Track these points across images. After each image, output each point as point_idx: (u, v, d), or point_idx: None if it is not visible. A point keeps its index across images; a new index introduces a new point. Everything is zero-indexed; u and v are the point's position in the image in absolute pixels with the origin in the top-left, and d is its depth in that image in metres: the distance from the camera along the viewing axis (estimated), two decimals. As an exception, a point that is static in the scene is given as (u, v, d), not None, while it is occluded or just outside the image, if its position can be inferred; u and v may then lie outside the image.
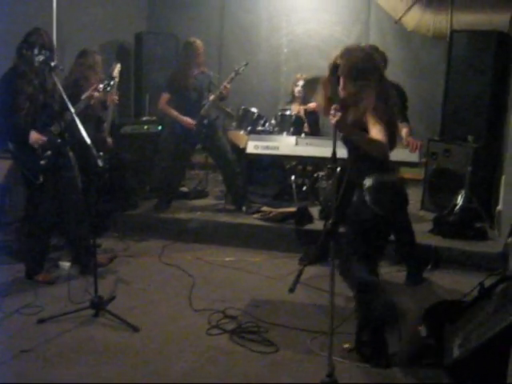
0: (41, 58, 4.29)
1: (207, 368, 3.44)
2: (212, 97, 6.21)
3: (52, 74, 4.30)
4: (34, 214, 4.70)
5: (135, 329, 3.88)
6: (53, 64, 4.28)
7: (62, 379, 3.29)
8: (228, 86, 6.10)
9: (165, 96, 6.23)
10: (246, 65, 6.22)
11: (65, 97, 4.16)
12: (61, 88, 4.24)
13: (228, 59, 8.00)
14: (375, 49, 4.80)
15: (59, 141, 4.53)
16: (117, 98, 5.55)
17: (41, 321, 3.94)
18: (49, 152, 4.55)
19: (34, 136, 4.47)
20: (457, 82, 6.36)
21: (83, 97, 4.83)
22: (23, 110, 4.43)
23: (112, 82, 5.01)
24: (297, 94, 7.02)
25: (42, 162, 4.53)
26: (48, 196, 4.64)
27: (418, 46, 7.57)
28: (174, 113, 6.18)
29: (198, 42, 6.15)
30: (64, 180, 4.69)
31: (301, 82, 6.92)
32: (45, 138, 4.50)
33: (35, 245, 4.72)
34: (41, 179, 4.51)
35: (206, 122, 6.18)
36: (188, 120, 6.12)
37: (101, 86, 4.91)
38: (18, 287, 4.55)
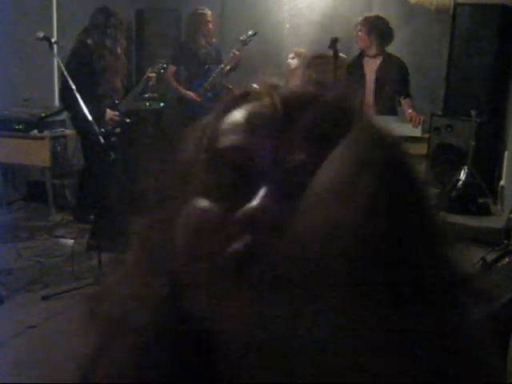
0: (41, 34, 4.24)
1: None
2: (219, 68, 6.07)
3: (53, 50, 4.25)
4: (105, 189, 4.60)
5: (139, 305, 3.89)
6: (53, 40, 4.24)
7: (67, 356, 3.32)
8: (237, 52, 5.97)
9: (171, 68, 6.16)
10: (254, 35, 6.05)
11: (65, 73, 4.13)
12: (62, 65, 4.21)
13: (229, 35, 7.91)
14: (380, 18, 4.75)
15: (128, 120, 4.50)
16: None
17: (45, 297, 3.97)
18: (118, 129, 4.56)
19: (110, 114, 4.47)
20: (460, 55, 6.31)
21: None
22: (99, 86, 4.43)
23: (165, 65, 5.11)
24: (292, 67, 6.70)
25: (113, 139, 4.51)
26: (119, 170, 4.63)
27: (421, 19, 7.47)
28: (177, 86, 6.12)
29: (207, 12, 6.03)
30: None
31: (291, 55, 6.31)
32: (119, 116, 4.50)
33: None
34: (113, 155, 4.38)
35: (209, 94, 6.11)
36: (191, 94, 6.06)
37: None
38: (23, 264, 4.58)
